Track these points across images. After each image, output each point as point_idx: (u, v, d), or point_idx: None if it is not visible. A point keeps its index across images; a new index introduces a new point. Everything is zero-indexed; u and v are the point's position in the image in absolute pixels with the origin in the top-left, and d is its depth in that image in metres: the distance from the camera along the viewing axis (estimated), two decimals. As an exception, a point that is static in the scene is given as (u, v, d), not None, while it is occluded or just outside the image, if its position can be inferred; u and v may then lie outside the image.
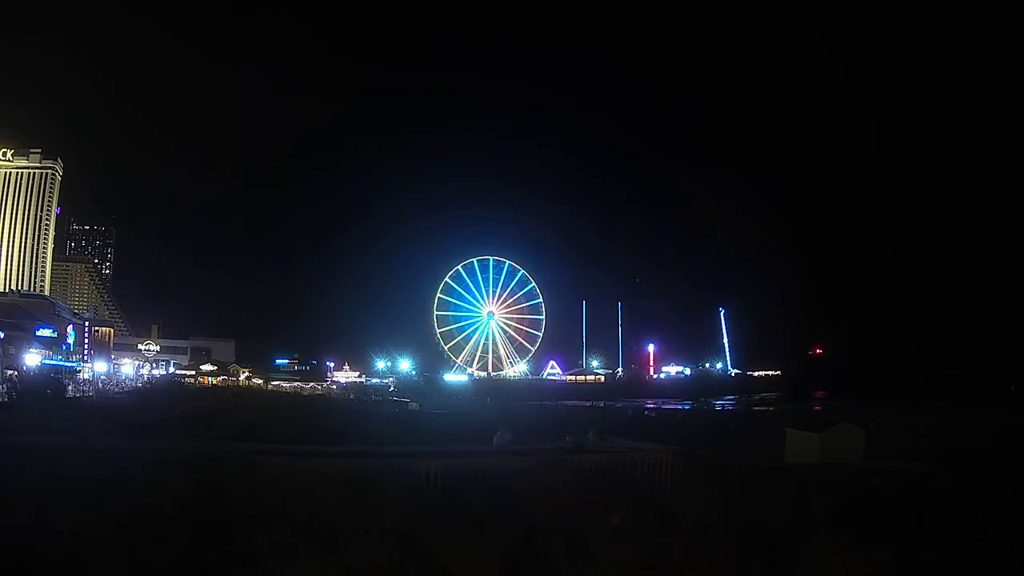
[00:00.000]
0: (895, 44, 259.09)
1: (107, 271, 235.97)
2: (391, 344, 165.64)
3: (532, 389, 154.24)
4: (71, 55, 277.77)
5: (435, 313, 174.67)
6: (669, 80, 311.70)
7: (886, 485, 25.05)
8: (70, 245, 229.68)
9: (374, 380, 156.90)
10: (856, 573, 12.88)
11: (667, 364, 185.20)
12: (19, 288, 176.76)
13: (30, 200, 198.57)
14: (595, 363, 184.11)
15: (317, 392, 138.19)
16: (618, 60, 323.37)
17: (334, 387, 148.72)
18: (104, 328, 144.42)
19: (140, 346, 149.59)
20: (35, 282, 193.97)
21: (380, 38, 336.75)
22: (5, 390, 61.21)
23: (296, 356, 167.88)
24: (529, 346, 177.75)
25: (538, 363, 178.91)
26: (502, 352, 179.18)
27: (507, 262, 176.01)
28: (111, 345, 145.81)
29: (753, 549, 13.80)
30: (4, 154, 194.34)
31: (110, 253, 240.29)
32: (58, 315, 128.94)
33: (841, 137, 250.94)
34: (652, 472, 26.23)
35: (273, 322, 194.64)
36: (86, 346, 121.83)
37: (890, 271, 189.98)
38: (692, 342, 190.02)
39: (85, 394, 75.89)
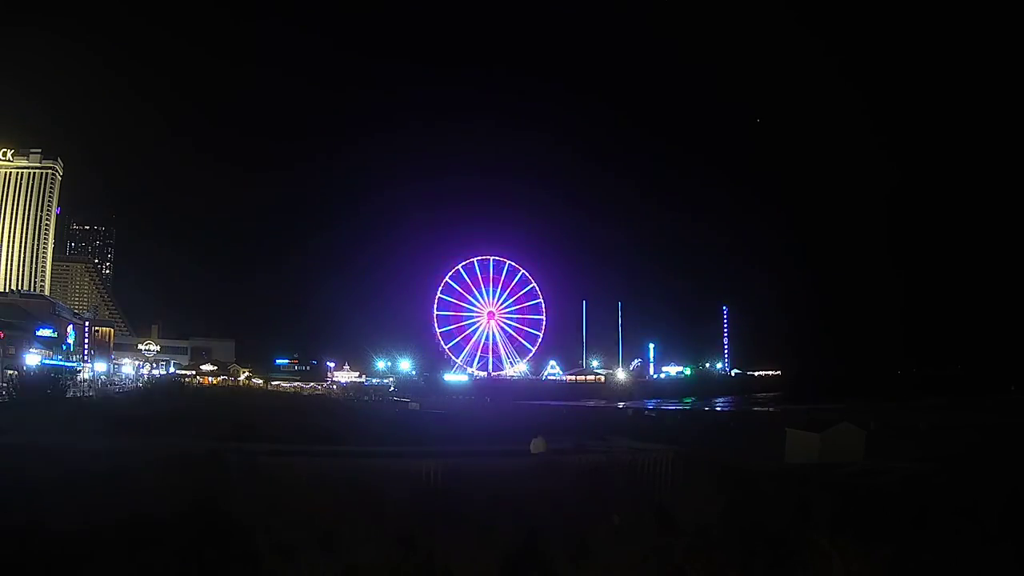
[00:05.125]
0: (896, 42, 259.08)
1: (107, 271, 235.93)
2: (391, 344, 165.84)
3: (532, 389, 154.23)
4: (72, 55, 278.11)
5: (435, 313, 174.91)
6: (672, 78, 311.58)
7: (886, 485, 25.04)
8: (70, 245, 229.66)
9: (374, 380, 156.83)
10: (856, 573, 12.86)
11: (667, 364, 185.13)
12: (19, 288, 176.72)
13: (30, 200, 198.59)
14: (595, 363, 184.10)
15: (317, 392, 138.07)
16: (619, 60, 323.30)
17: (334, 387, 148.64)
18: (104, 328, 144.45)
19: (140, 346, 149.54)
20: (35, 282, 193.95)
21: (379, 34, 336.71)
22: (5, 390, 61.20)
23: (296, 356, 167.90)
24: (529, 346, 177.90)
25: (538, 363, 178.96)
26: (502, 352, 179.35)
27: (507, 262, 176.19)
28: (111, 345, 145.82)
29: (753, 549, 13.79)
30: (4, 154, 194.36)
31: (110, 253, 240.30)
32: (58, 315, 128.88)
33: (843, 136, 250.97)
34: (652, 472, 26.21)
35: (273, 322, 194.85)
36: (86, 346, 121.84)
37: (892, 271, 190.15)
38: (692, 342, 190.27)
39: (85, 394, 75.87)
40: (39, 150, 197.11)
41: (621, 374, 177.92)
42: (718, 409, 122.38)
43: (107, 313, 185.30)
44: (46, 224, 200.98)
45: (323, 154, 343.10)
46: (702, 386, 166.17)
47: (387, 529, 15.69)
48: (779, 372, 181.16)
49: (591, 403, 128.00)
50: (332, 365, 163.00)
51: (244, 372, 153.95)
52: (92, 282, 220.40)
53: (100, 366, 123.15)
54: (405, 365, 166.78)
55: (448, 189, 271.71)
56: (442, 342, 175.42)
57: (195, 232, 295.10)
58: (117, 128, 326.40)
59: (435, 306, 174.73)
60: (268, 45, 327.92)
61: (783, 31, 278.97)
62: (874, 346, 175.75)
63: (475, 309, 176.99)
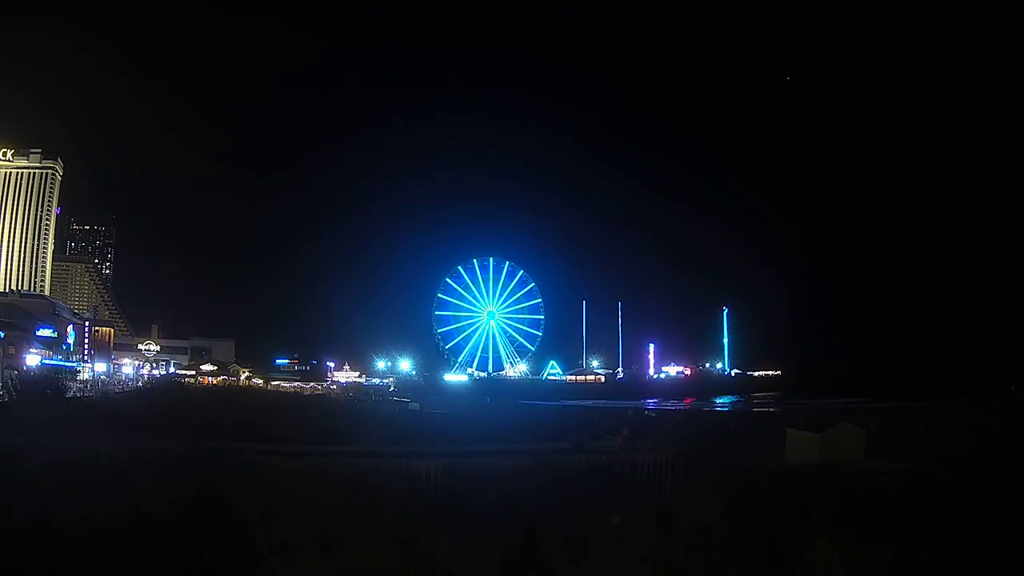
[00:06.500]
0: (896, 41, 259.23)
1: (107, 271, 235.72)
2: (391, 344, 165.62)
3: (532, 389, 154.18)
4: (71, 55, 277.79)
5: (435, 313, 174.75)
6: (673, 77, 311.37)
7: (886, 485, 25.07)
8: (70, 245, 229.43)
9: (374, 380, 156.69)
10: (856, 573, 12.87)
11: (667, 364, 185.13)
12: (19, 288, 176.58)
13: (30, 200, 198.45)
14: (595, 363, 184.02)
15: (317, 392, 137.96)
16: (621, 60, 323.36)
17: (334, 387, 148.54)
18: (104, 328, 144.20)
19: (140, 346, 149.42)
20: (35, 282, 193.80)
21: (377, 34, 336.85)
22: (5, 390, 61.20)
23: (296, 356, 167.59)
24: (529, 346, 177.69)
25: (538, 363, 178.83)
26: (502, 352, 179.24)
27: (507, 262, 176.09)
28: (111, 345, 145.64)
29: (753, 549, 13.80)
30: (4, 154, 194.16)
31: (110, 253, 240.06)
32: (58, 315, 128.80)
33: (845, 135, 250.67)
34: (652, 472, 26.26)
35: (273, 322, 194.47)
36: (86, 346, 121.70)
37: (892, 271, 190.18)
38: (692, 342, 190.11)
39: (85, 394, 75.88)
40: (39, 150, 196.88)
41: (621, 374, 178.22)
42: (718, 409, 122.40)
43: (107, 313, 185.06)
44: (46, 224, 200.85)
45: (323, 154, 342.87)
46: (702, 386, 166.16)
47: (387, 529, 15.71)
48: (779, 372, 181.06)
49: (591, 403, 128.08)
50: (332, 365, 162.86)
51: (244, 372, 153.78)
52: (92, 282, 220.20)
53: (100, 366, 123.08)
54: (405, 365, 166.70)
55: (448, 189, 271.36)
56: (442, 342, 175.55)
57: (195, 232, 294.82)
58: (117, 128, 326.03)
59: (435, 306, 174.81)
60: (268, 45, 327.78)
61: (786, 29, 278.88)
62: (874, 346, 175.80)
63: (475, 309, 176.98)
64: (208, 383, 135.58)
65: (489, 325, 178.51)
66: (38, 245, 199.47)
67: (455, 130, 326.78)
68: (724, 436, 55.71)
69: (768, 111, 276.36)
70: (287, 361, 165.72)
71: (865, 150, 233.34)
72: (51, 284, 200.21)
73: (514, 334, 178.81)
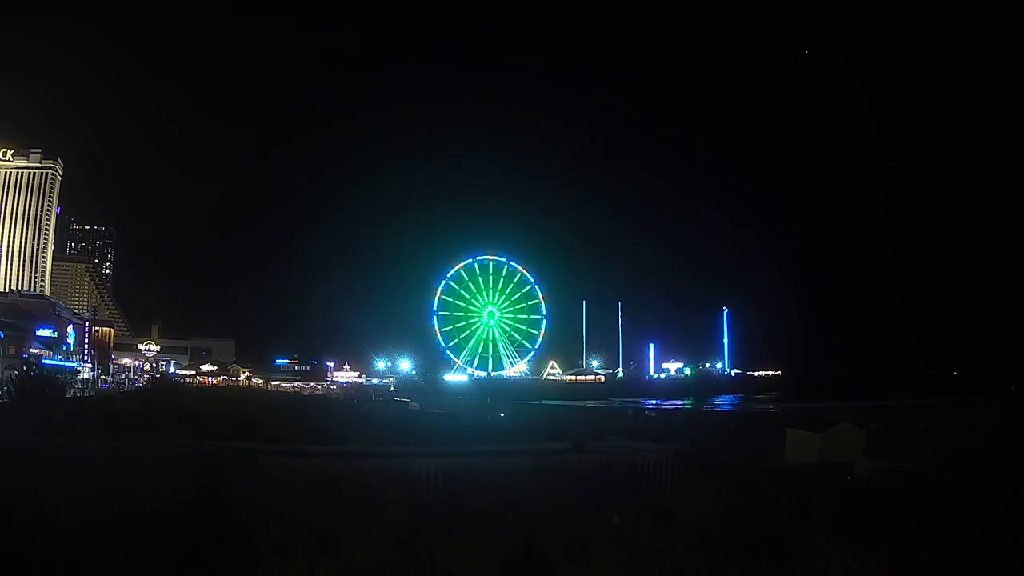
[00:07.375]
0: (898, 42, 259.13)
1: (107, 271, 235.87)
2: (391, 344, 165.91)
3: (532, 389, 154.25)
4: (72, 55, 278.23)
5: (436, 313, 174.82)
6: (674, 77, 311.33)
7: (886, 485, 25.08)
8: (70, 245, 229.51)
9: (374, 380, 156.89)
10: (856, 573, 12.86)
11: (668, 362, 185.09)
12: (19, 288, 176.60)
13: (30, 200, 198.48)
14: (595, 363, 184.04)
15: (317, 392, 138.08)
16: (622, 60, 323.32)
17: (334, 387, 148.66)
18: (104, 328, 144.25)
19: (140, 346, 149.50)
20: (35, 282, 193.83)
21: (377, 32, 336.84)
22: (5, 390, 61.19)
23: (296, 356, 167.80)
24: (529, 346, 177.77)
25: (538, 363, 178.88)
26: (502, 352, 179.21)
27: (507, 262, 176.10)
28: (111, 345, 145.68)
29: (753, 549, 13.79)
30: (4, 154, 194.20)
31: (110, 253, 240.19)
32: (58, 315, 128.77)
33: (846, 136, 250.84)
34: (652, 472, 26.26)
35: (273, 322, 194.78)
36: (86, 346, 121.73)
37: (893, 271, 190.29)
38: (692, 342, 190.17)
39: (85, 394, 75.91)
40: (39, 150, 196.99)
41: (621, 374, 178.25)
42: (718, 409, 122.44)
43: (107, 313, 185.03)
44: (46, 224, 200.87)
45: (324, 153, 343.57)
46: (702, 386, 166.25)
47: (387, 529, 15.72)
48: (779, 372, 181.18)
49: (591, 403, 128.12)
50: (332, 365, 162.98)
51: (244, 372, 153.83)
52: (92, 282, 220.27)
53: (100, 366, 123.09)
54: (405, 365, 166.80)
55: (449, 188, 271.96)
56: (442, 342, 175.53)
57: (195, 232, 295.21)
58: (117, 128, 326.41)
59: (435, 306, 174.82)
60: (267, 43, 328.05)
61: (786, 30, 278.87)
62: (874, 346, 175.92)
63: (475, 309, 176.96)
64: (208, 383, 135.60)
65: (489, 325, 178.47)
66: (38, 245, 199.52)
67: (456, 129, 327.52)
68: (724, 436, 55.76)
69: (771, 110, 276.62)
70: (287, 361, 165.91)
71: (866, 150, 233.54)
72: (51, 284, 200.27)
73: (514, 334, 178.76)
